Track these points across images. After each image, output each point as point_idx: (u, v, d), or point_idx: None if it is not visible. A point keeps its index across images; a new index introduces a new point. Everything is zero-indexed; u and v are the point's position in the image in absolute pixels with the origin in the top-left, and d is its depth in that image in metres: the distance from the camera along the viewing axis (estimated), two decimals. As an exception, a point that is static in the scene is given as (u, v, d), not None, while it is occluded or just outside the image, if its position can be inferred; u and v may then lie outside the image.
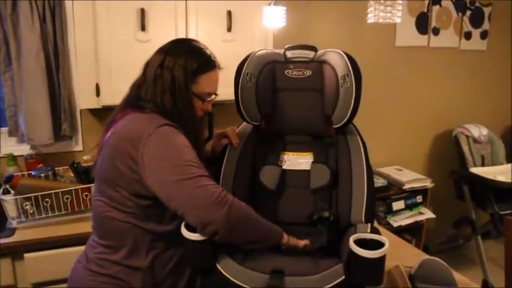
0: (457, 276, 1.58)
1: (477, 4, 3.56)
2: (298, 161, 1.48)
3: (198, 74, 1.31)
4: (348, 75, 1.36)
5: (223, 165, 1.45)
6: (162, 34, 2.17)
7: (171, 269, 1.33)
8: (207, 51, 1.36)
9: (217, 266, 1.20)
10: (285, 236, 1.28)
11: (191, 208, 1.13)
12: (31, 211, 1.96)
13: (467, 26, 3.56)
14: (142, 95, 1.32)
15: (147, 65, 1.35)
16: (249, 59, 1.46)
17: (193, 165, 1.16)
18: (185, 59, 1.30)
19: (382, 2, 1.50)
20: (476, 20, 3.59)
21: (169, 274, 1.33)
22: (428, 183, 3.19)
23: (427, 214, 3.16)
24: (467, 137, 3.43)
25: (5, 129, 2.36)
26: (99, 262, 1.30)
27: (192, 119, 1.33)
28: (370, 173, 1.34)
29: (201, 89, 1.33)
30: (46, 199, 1.93)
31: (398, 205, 3.06)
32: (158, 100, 1.28)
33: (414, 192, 3.13)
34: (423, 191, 3.18)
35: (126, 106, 1.34)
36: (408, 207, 3.11)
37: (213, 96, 1.40)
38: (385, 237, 1.12)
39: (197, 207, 1.13)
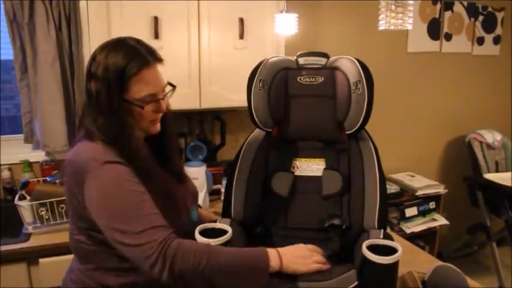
0: (471, 283, 1.56)
1: (489, 9, 3.54)
2: (310, 167, 1.48)
3: (124, 79, 1.14)
4: (360, 81, 1.36)
5: (236, 174, 1.46)
6: (174, 42, 2.20)
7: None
8: (136, 47, 1.18)
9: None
10: (274, 258, 1.12)
11: (133, 260, 1.08)
12: (46, 217, 1.98)
13: (479, 31, 3.55)
14: (85, 118, 1.21)
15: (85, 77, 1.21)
16: (261, 66, 1.46)
17: (134, 216, 1.07)
18: (105, 66, 1.13)
19: (393, 9, 1.50)
20: (489, 25, 3.58)
21: None
22: (441, 190, 3.17)
23: (441, 220, 3.14)
24: (480, 142, 3.40)
25: (20, 136, 2.40)
26: (75, 279, 1.29)
27: (127, 141, 1.17)
28: (383, 179, 1.34)
29: (138, 94, 1.16)
30: (61, 205, 1.96)
31: (411, 211, 3.04)
32: (92, 125, 1.16)
33: (427, 198, 3.12)
34: (436, 197, 3.17)
35: (80, 126, 1.25)
36: (421, 213, 3.09)
37: (167, 90, 1.24)
38: (398, 243, 1.12)
39: (137, 262, 1.08)
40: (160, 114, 1.25)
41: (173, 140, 1.40)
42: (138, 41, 1.21)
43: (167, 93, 1.25)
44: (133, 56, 1.15)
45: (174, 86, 1.26)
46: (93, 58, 1.17)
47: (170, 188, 1.28)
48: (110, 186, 1.11)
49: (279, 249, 1.15)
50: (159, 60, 1.21)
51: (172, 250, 1.05)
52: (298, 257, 1.15)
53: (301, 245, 1.20)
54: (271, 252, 1.12)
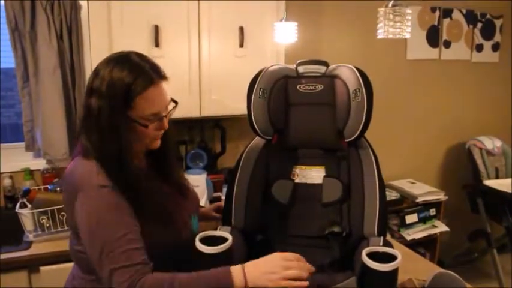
0: (471, 290, 1.56)
1: (488, 16, 3.56)
2: (310, 174, 1.49)
3: (131, 97, 1.11)
4: (359, 89, 1.38)
5: (236, 181, 1.46)
6: (175, 50, 2.22)
7: None
8: (141, 64, 1.15)
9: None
10: (238, 276, 1.07)
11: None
12: (47, 225, 1.98)
13: (478, 39, 3.56)
14: (81, 134, 1.19)
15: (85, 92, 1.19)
16: (261, 74, 1.48)
17: (111, 251, 1.07)
18: (110, 83, 1.10)
19: (391, 17, 1.51)
20: (488, 32, 3.59)
21: None
22: (441, 196, 3.17)
23: (441, 227, 3.14)
24: (480, 149, 3.40)
25: (22, 144, 2.41)
26: (78, 286, 1.30)
27: (120, 162, 1.13)
28: (382, 186, 1.35)
29: (142, 112, 1.14)
30: (62, 213, 1.96)
31: (411, 218, 3.04)
32: (88, 141, 1.15)
33: (427, 205, 3.12)
34: (437, 204, 3.17)
35: (78, 141, 1.23)
36: (422, 220, 3.09)
37: (170, 107, 1.22)
38: (398, 250, 1.13)
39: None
40: (162, 131, 1.24)
41: (173, 153, 1.39)
42: (142, 57, 1.18)
43: (170, 110, 1.23)
44: (139, 73, 1.13)
45: (176, 103, 1.24)
46: (96, 73, 1.15)
47: (169, 206, 1.26)
48: (97, 215, 1.11)
49: (247, 264, 1.10)
50: (164, 78, 1.18)
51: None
52: (265, 272, 1.07)
53: (275, 256, 1.11)
54: (235, 270, 1.08)
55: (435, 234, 3.12)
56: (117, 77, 1.10)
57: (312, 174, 1.49)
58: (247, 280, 1.06)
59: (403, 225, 3.01)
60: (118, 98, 1.10)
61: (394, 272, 1.09)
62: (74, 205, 1.15)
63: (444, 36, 3.41)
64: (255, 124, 1.45)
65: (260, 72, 1.49)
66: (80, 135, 1.20)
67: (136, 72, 1.12)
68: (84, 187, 1.13)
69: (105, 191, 1.11)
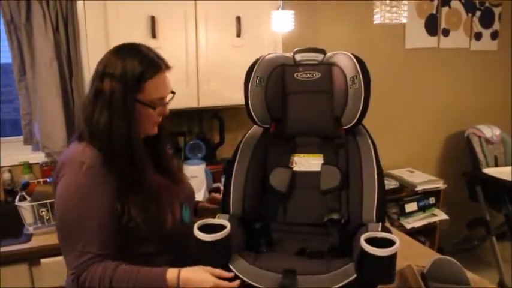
0: (470, 275, 1.57)
1: (487, 4, 3.55)
2: (308, 162, 1.48)
3: (142, 80, 1.20)
4: (356, 76, 1.37)
5: (234, 169, 1.46)
6: (172, 41, 2.21)
7: None
8: (150, 54, 1.25)
9: (230, 266, 1.21)
10: (171, 279, 1.14)
11: None
12: (47, 217, 1.99)
13: (477, 27, 3.55)
14: (84, 117, 1.24)
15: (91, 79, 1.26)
16: (258, 62, 1.47)
17: (75, 232, 1.15)
18: (123, 68, 1.19)
19: (387, 2, 1.51)
20: (486, 20, 3.58)
21: None
22: (441, 185, 3.18)
23: (440, 216, 3.15)
24: (479, 137, 3.40)
25: (20, 138, 2.41)
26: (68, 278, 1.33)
27: (129, 141, 1.21)
28: (381, 173, 1.35)
29: (150, 96, 1.23)
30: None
31: (411, 207, 3.05)
32: (94, 121, 1.20)
33: (427, 193, 3.13)
34: (436, 193, 3.18)
35: (77, 128, 1.30)
36: (421, 209, 3.10)
37: (169, 97, 1.31)
38: (397, 237, 1.13)
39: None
40: (161, 118, 1.32)
41: (167, 142, 1.45)
42: (150, 49, 1.28)
43: (170, 99, 1.32)
44: (149, 60, 1.23)
45: (174, 93, 1.33)
46: (108, 59, 1.23)
47: (158, 191, 1.30)
48: (72, 196, 1.17)
49: (185, 270, 1.16)
50: (168, 67, 1.28)
51: (83, 278, 1.13)
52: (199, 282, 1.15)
53: (209, 279, 1.15)
54: (171, 272, 1.15)
55: (434, 222, 3.13)
56: (131, 62, 1.20)
57: (310, 162, 1.48)
58: (180, 283, 1.14)
59: (403, 213, 3.02)
60: (130, 81, 1.19)
61: (392, 257, 1.08)
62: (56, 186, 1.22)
63: (443, 25, 3.40)
64: (252, 112, 1.45)
65: (257, 60, 1.48)
66: (79, 120, 1.26)
67: (147, 59, 1.22)
68: (66, 166, 1.19)
69: (86, 172, 1.16)
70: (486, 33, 3.60)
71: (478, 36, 3.57)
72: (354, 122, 1.38)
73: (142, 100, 1.22)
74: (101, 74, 1.21)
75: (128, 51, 1.24)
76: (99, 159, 1.19)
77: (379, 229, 1.21)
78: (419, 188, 3.08)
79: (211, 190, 2.37)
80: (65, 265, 1.19)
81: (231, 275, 1.18)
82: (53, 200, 1.88)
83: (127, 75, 1.19)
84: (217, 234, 1.16)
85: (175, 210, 1.33)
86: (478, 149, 3.38)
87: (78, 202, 1.16)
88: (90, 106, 1.22)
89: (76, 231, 1.15)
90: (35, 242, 1.94)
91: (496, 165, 3.41)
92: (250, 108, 1.45)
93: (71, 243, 1.15)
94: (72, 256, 1.14)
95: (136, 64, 1.20)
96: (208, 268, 1.17)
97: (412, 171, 3.33)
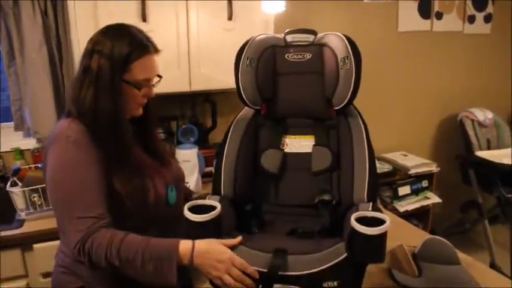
0: (461, 256, 1.58)
1: (480, -13, 3.53)
2: (299, 144, 1.48)
3: (129, 61, 1.22)
4: (347, 57, 1.36)
5: (225, 151, 1.46)
6: (163, 24, 2.19)
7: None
8: (139, 35, 1.26)
9: (221, 246, 1.21)
10: (184, 250, 1.11)
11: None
12: (39, 203, 1.98)
13: (470, 10, 3.53)
14: (72, 94, 1.26)
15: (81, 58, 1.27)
16: (248, 43, 1.46)
17: (74, 202, 1.14)
18: (112, 47, 1.21)
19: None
20: (480, 3, 3.56)
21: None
22: (434, 168, 3.19)
23: (433, 199, 3.17)
24: (472, 121, 3.41)
25: (11, 124, 2.39)
26: (58, 254, 1.37)
27: (114, 118, 1.22)
28: (372, 153, 1.35)
29: (136, 77, 1.24)
30: (53, 190, 1.95)
31: (404, 190, 3.06)
32: (81, 98, 1.21)
33: (420, 177, 3.14)
34: (429, 176, 3.19)
35: (67, 106, 1.30)
36: (414, 192, 3.12)
37: (155, 80, 1.33)
38: (389, 218, 1.12)
39: (67, 242, 1.18)
40: (145, 100, 1.33)
41: (155, 124, 1.46)
42: (140, 31, 1.28)
43: (156, 82, 1.34)
44: (138, 41, 1.24)
45: (160, 77, 1.35)
46: (97, 37, 1.24)
47: (142, 166, 1.30)
48: (62, 168, 1.18)
49: (200, 242, 1.13)
50: (157, 50, 1.29)
51: (89, 243, 1.10)
52: (210, 262, 1.12)
53: (226, 254, 1.13)
54: (184, 244, 1.12)
55: (427, 205, 3.15)
56: (119, 42, 1.21)
57: (302, 144, 1.48)
58: (194, 259, 1.11)
59: (396, 197, 3.04)
60: (118, 60, 1.20)
61: (382, 236, 1.08)
62: (45, 162, 1.22)
63: (436, 8, 3.38)
64: (242, 93, 1.44)
65: (247, 41, 1.47)
66: (68, 98, 1.28)
67: (136, 40, 1.24)
68: (54, 141, 1.21)
69: (73, 145, 1.17)
70: (479, 16, 3.58)
71: (472, 19, 3.56)
72: (345, 102, 1.37)
73: (128, 80, 1.23)
74: (90, 51, 1.23)
75: (118, 31, 1.26)
76: (86, 134, 1.19)
77: (370, 209, 1.21)
78: (412, 172, 3.09)
79: (204, 174, 2.37)
80: (64, 244, 1.20)
81: (238, 240, 1.19)
82: (45, 184, 1.92)
83: (114, 55, 1.20)
84: (207, 214, 1.16)
85: (159, 187, 1.32)
86: (470, 132, 3.39)
87: (69, 173, 1.16)
88: (78, 83, 1.24)
89: (72, 201, 1.14)
90: (27, 228, 1.94)
91: (489, 149, 3.43)
92: (241, 89, 1.44)
93: (69, 213, 1.14)
94: (72, 226, 1.13)
95: (125, 44, 1.21)
96: (220, 240, 1.17)
97: (405, 155, 3.34)
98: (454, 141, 3.60)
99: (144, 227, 1.20)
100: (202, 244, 1.13)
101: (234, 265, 1.12)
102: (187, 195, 1.62)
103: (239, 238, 1.20)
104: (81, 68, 1.24)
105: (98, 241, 1.10)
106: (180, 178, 1.50)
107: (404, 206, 3.02)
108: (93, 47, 1.22)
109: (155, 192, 1.29)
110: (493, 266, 3.02)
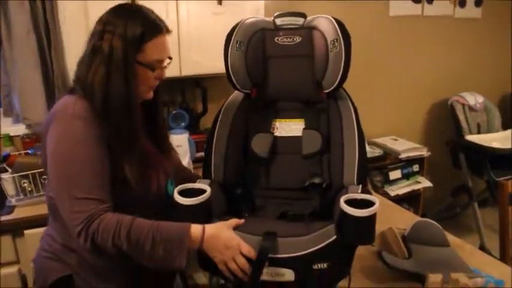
0: (450, 238, 1.60)
1: (471, -30, 3.52)
2: (290, 127, 1.48)
3: (143, 41, 1.18)
4: (337, 39, 1.36)
5: (215, 136, 1.45)
6: (152, 9, 2.15)
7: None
8: (152, 15, 1.23)
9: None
10: (195, 234, 1.11)
11: (65, 221, 1.14)
12: (29, 189, 1.98)
13: (461, -7, 3.53)
14: (78, 74, 1.22)
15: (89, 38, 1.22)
16: (238, 27, 1.45)
17: (76, 181, 1.11)
18: (125, 27, 1.16)
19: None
20: (471, -13, 3.56)
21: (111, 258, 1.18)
22: (424, 152, 3.21)
23: (424, 183, 3.19)
24: (463, 105, 3.43)
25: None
26: (45, 237, 1.34)
27: (126, 100, 1.18)
28: (361, 136, 1.35)
29: (149, 57, 1.21)
30: (43, 176, 1.94)
31: (395, 174, 3.08)
32: (89, 78, 1.17)
33: (411, 161, 3.16)
34: (420, 160, 3.21)
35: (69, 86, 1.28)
36: (405, 176, 3.14)
37: (166, 62, 1.30)
38: (380, 202, 1.13)
39: (67, 225, 1.13)
40: (157, 82, 1.30)
41: (161, 109, 1.46)
42: (152, 11, 1.26)
43: (168, 63, 1.32)
44: (151, 22, 1.21)
45: (171, 58, 1.32)
46: (108, 17, 1.20)
47: (147, 156, 1.28)
48: (67, 143, 1.13)
49: (209, 226, 1.14)
50: (169, 31, 1.28)
51: (95, 225, 1.08)
52: (219, 247, 1.12)
53: (234, 241, 1.13)
54: (195, 228, 1.12)
55: (418, 189, 3.18)
56: (132, 22, 1.18)
57: (292, 127, 1.48)
58: (203, 244, 1.11)
59: (387, 181, 3.06)
60: (131, 40, 1.17)
61: (372, 218, 1.09)
62: (46, 138, 1.17)
63: (427, -8, 3.37)
64: (232, 77, 1.44)
65: (237, 25, 1.46)
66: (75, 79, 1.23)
67: (149, 20, 1.21)
68: (58, 116, 1.16)
69: (80, 121, 1.13)
70: (470, 0, 3.58)
71: (462, 3, 3.55)
72: (335, 85, 1.37)
73: (141, 61, 1.20)
74: (101, 31, 1.18)
75: (130, 11, 1.23)
76: (92, 112, 1.15)
77: (359, 191, 1.21)
78: (403, 156, 3.11)
79: (195, 160, 2.37)
80: (67, 222, 1.13)
81: (242, 221, 1.20)
82: (35, 171, 1.91)
83: (128, 35, 1.16)
84: (197, 198, 1.16)
85: (161, 177, 1.31)
86: (461, 117, 3.41)
87: (73, 149, 1.12)
88: (86, 63, 1.19)
89: (74, 179, 1.11)
90: (18, 214, 1.94)
91: (479, 133, 3.45)
92: (230, 73, 1.44)
93: (69, 192, 1.10)
94: (75, 207, 1.09)
95: (138, 24, 1.18)
96: (226, 222, 1.18)
97: (395, 139, 3.35)
98: (444, 126, 3.62)
99: (142, 217, 1.18)
100: (211, 229, 1.13)
101: (241, 252, 1.12)
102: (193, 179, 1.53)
103: (243, 220, 1.21)
104: (90, 48, 1.19)
105: (105, 223, 1.08)
106: (178, 170, 1.51)
107: (395, 191, 3.04)
108: (104, 27, 1.18)
109: (158, 183, 1.29)
110: (482, 248, 3.06)
